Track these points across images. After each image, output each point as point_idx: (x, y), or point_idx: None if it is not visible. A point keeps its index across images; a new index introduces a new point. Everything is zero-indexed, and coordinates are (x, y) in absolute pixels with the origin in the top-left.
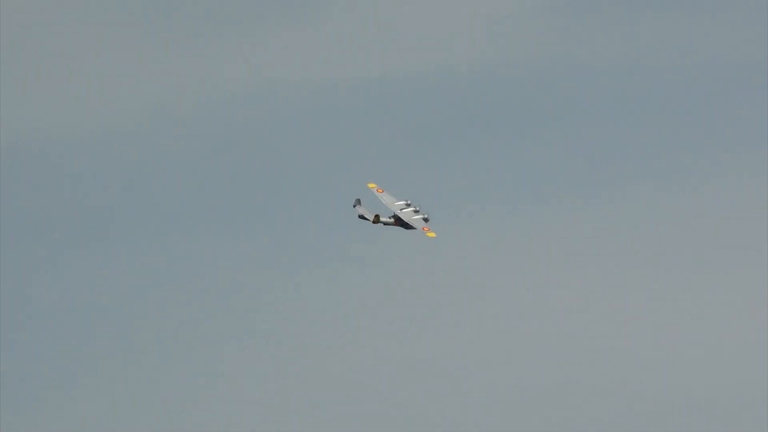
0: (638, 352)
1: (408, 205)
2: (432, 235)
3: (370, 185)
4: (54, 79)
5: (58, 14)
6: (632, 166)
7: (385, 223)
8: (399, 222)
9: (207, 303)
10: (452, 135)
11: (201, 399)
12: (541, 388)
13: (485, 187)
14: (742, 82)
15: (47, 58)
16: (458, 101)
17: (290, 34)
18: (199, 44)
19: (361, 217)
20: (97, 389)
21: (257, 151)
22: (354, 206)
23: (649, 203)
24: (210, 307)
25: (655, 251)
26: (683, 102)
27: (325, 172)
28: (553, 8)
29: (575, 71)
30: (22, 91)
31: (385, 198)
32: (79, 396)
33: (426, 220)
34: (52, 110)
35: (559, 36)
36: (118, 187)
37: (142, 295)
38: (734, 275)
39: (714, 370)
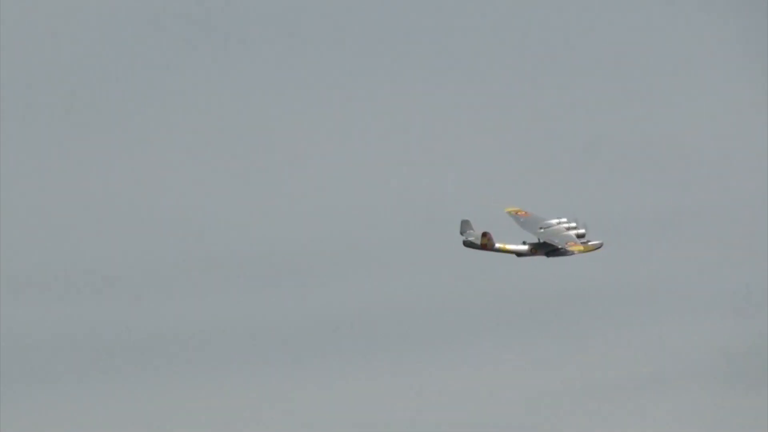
0: None
1: (560, 223)
2: (578, 249)
3: (510, 210)
4: None
5: None
6: None
7: (519, 254)
8: (538, 249)
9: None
10: None
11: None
12: None
13: None
14: None
15: None
16: None
17: None
18: None
19: (469, 244)
20: None
21: None
22: (461, 232)
23: None
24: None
25: None
26: None
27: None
28: None
29: None
30: None
31: (530, 222)
32: None
33: (581, 236)
34: None
35: None
36: None
37: None
38: None
39: None
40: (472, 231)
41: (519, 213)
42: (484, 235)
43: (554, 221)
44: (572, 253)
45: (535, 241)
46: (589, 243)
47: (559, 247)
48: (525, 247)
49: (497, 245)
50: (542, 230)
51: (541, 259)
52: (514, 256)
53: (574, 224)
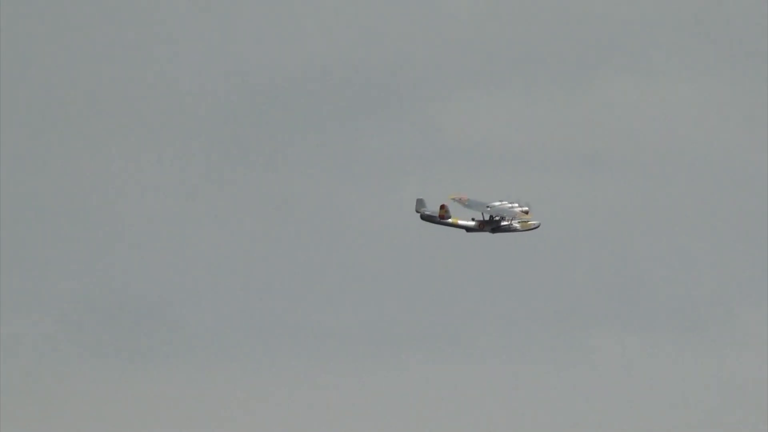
0: None
1: (502, 203)
2: (522, 225)
3: (452, 196)
4: None
5: None
6: None
7: (468, 229)
8: (485, 225)
9: None
10: None
11: None
12: None
13: None
14: None
15: None
16: None
17: None
18: None
19: (426, 217)
20: None
21: None
22: (417, 210)
23: None
24: None
25: None
26: None
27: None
28: None
29: None
30: None
31: (473, 204)
32: None
33: (525, 212)
34: None
35: None
36: None
37: None
38: None
39: None
40: (426, 207)
41: (462, 198)
42: (442, 207)
43: (497, 203)
44: (516, 229)
45: (481, 218)
46: (529, 222)
47: (503, 223)
48: (473, 223)
49: (450, 219)
50: (489, 208)
51: (486, 235)
52: (463, 231)
53: (516, 204)
